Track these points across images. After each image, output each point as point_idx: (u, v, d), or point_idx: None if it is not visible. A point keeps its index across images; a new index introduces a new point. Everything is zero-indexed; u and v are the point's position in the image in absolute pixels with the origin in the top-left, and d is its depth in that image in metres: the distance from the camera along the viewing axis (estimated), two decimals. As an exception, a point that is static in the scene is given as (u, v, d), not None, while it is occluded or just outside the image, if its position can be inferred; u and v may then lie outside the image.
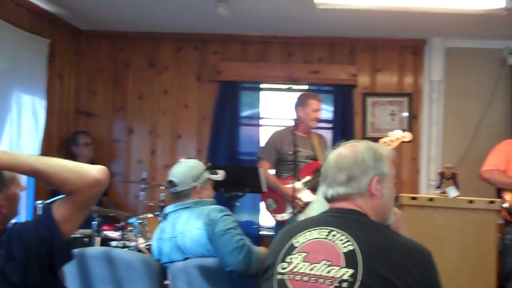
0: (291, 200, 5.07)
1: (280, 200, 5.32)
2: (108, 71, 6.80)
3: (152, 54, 6.75)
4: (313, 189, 5.24)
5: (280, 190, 5.26)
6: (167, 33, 6.65)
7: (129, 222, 5.15)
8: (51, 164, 2.16)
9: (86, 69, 6.79)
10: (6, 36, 5.20)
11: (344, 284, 1.93)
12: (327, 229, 2.08)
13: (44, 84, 5.87)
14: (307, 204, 5.17)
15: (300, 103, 5.51)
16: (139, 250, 4.60)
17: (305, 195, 5.22)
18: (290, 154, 5.24)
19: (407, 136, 5.31)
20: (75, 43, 6.66)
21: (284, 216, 5.27)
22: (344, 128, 6.38)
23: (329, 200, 2.21)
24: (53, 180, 2.16)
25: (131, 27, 6.53)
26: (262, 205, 5.58)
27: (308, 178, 5.28)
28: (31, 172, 2.18)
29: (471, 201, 3.98)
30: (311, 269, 2.01)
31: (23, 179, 2.43)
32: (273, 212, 5.37)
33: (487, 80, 6.31)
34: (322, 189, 2.25)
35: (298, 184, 5.17)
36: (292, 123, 5.35)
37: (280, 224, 5.26)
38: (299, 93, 5.95)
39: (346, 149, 2.21)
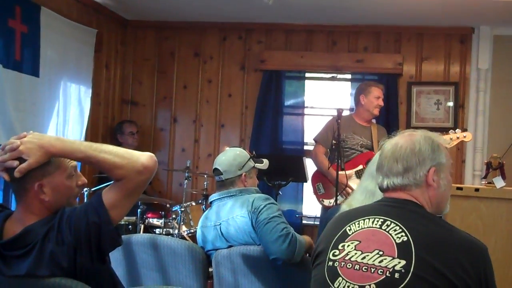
0: (340, 187, 5.12)
1: (329, 186, 5.34)
2: (153, 61, 6.87)
3: (197, 44, 6.80)
4: None
5: (330, 176, 5.27)
6: (212, 22, 6.68)
7: (172, 210, 5.23)
8: (102, 150, 2.21)
9: (132, 58, 6.88)
10: (55, 27, 5.30)
11: (396, 275, 1.93)
12: (381, 218, 2.07)
13: (90, 73, 5.97)
14: None
15: (362, 91, 5.55)
16: (182, 238, 4.66)
17: (355, 184, 5.22)
18: (347, 141, 5.33)
19: (468, 136, 5.22)
20: (121, 33, 6.75)
21: (332, 202, 5.29)
22: (388, 117, 6.31)
23: (384, 190, 2.19)
24: (103, 166, 2.21)
25: (176, 16, 6.58)
26: (310, 189, 5.58)
27: (360, 167, 5.28)
28: (83, 158, 2.23)
29: (518, 192, 3.93)
30: (363, 258, 2.01)
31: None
32: (321, 197, 5.41)
33: (536, 68, 6.18)
34: (377, 179, 2.22)
35: (350, 173, 5.19)
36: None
37: (326, 210, 5.29)
38: (343, 82, 5.93)
39: (403, 139, 2.18)
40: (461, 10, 5.70)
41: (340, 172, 5.09)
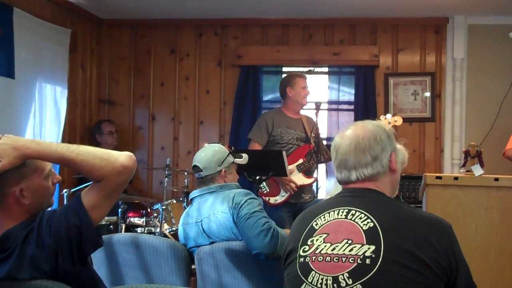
0: (284, 183, 5.17)
1: (273, 183, 5.31)
2: (130, 59, 6.83)
3: (173, 41, 6.77)
4: (306, 172, 5.27)
5: None
6: (187, 19, 6.66)
7: (153, 208, 5.21)
8: (80, 152, 2.19)
9: (108, 57, 6.84)
10: (28, 27, 5.25)
11: (367, 261, 1.95)
12: (346, 208, 2.10)
13: (66, 74, 5.92)
14: (300, 187, 5.23)
15: (288, 84, 5.54)
16: (164, 236, 4.64)
17: (297, 179, 5.24)
18: (283, 136, 5.38)
19: (399, 120, 5.28)
20: (96, 32, 6.70)
21: (277, 199, 5.27)
22: (366, 109, 6.34)
23: (348, 182, 2.21)
24: (82, 168, 2.19)
25: (151, 14, 6.55)
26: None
27: (300, 161, 5.30)
28: (61, 160, 2.21)
29: (496, 179, 3.94)
30: (333, 249, 2.02)
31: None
32: (267, 195, 5.34)
33: (510, 56, 6.22)
34: (339, 175, 2.24)
35: (291, 167, 5.21)
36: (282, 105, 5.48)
37: (272, 208, 5.26)
38: (320, 75, 5.95)
39: (359, 130, 2.21)
40: (436, 0, 5.74)
41: None
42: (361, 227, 2.02)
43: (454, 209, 3.89)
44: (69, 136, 5.98)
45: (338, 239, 2.03)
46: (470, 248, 3.69)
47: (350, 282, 1.95)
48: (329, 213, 2.13)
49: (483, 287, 2.15)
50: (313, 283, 2.02)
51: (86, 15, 6.39)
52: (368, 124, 2.24)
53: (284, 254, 2.24)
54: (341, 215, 2.09)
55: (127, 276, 3.53)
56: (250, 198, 3.34)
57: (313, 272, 2.03)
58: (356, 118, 6.37)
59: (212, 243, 3.37)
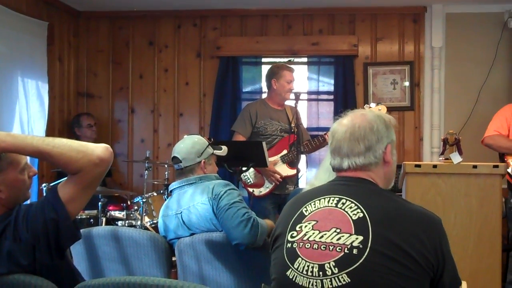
0: (268, 174, 5.18)
1: (257, 175, 5.33)
2: (108, 52, 6.78)
3: (151, 33, 6.73)
4: (290, 163, 5.27)
5: None
6: (165, 10, 6.61)
7: (134, 201, 5.19)
8: (55, 145, 2.17)
9: (86, 50, 6.77)
10: (4, 21, 5.19)
11: (354, 251, 1.95)
12: (337, 197, 2.10)
13: (45, 67, 5.87)
14: (284, 178, 5.22)
15: (274, 75, 5.51)
16: (145, 229, 4.63)
17: (282, 170, 5.24)
18: (266, 127, 5.37)
19: (383, 109, 5.28)
20: (73, 24, 6.63)
21: (262, 190, 5.29)
22: (346, 99, 6.35)
23: (341, 170, 2.21)
24: (58, 160, 2.18)
25: (129, 6, 6.49)
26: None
27: (284, 152, 5.30)
28: (36, 153, 2.19)
29: (475, 166, 3.97)
30: (321, 237, 2.02)
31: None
32: (251, 186, 5.35)
33: (489, 44, 6.25)
34: (332, 160, 2.23)
35: (275, 159, 5.21)
36: (264, 96, 5.40)
37: (256, 199, 5.28)
38: (299, 66, 5.92)
39: (358, 119, 2.20)
40: (413, -11, 5.76)
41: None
42: (351, 217, 2.02)
43: (433, 197, 3.92)
44: (47, 129, 5.92)
45: (327, 227, 2.04)
46: (450, 236, 3.67)
47: (336, 271, 1.95)
48: (319, 200, 2.13)
49: (462, 274, 2.16)
50: (299, 269, 2.02)
51: (63, 7, 6.32)
52: (368, 113, 2.24)
53: (272, 238, 2.25)
54: (331, 203, 2.09)
55: (107, 269, 3.52)
56: (229, 189, 3.34)
57: (299, 258, 2.03)
58: (336, 108, 6.38)
59: (192, 234, 3.37)
